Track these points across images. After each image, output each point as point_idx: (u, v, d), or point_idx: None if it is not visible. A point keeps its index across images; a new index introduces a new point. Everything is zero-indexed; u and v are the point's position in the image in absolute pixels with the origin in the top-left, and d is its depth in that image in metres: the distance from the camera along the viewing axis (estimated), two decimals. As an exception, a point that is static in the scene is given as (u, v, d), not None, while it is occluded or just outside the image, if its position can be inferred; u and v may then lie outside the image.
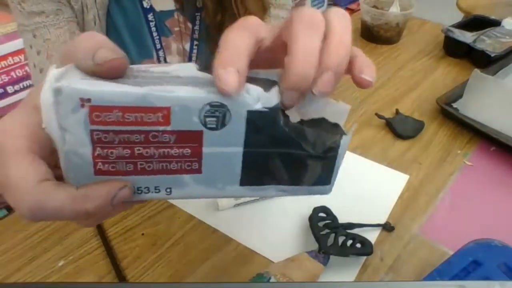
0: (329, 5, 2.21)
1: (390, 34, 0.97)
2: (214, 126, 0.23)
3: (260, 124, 0.23)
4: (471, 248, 0.46)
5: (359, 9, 1.03)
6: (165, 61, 0.68)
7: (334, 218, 0.53)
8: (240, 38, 0.24)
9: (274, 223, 0.56)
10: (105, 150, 0.22)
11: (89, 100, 0.21)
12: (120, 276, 0.49)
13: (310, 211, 0.53)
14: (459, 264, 0.44)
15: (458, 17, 1.39)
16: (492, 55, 0.83)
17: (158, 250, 0.52)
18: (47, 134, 0.22)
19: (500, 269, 0.43)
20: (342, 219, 0.53)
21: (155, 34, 0.65)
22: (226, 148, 0.24)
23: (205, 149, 0.24)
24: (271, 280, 0.44)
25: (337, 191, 0.60)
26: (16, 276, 0.49)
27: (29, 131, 0.23)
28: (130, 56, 0.64)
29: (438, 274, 0.44)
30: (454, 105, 0.75)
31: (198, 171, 0.24)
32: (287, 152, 0.25)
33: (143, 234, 0.54)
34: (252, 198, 0.57)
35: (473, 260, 0.44)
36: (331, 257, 0.49)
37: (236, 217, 0.56)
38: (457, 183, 0.62)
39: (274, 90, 0.24)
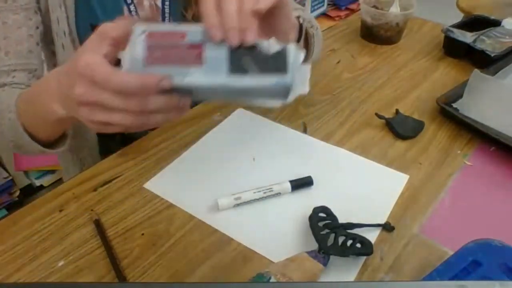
0: (329, 5, 2.21)
1: (390, 34, 0.97)
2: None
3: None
4: (471, 248, 0.46)
5: (359, 9, 1.03)
6: (137, 13, 0.70)
7: (334, 218, 0.53)
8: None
9: (274, 223, 0.56)
10: (151, 54, 0.38)
11: (145, 30, 0.39)
12: (120, 276, 0.49)
13: (310, 211, 0.53)
14: (459, 264, 0.44)
15: (458, 17, 1.39)
16: (492, 55, 0.83)
17: (158, 250, 0.52)
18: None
19: (500, 269, 0.43)
20: (342, 219, 0.53)
21: None
22: (216, 52, 0.39)
23: (203, 53, 0.39)
24: (271, 280, 0.44)
25: (337, 191, 0.61)
26: (16, 276, 0.49)
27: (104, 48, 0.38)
28: (99, 17, 0.67)
29: (438, 274, 0.44)
30: (454, 105, 0.75)
31: (200, 64, 0.38)
32: (253, 54, 0.39)
33: (143, 234, 0.54)
34: (252, 198, 0.57)
35: (473, 260, 0.44)
36: (331, 257, 0.49)
37: (236, 217, 0.56)
38: (457, 183, 0.62)
39: None
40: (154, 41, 0.39)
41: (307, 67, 0.41)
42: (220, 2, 0.39)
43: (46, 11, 0.65)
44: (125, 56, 0.38)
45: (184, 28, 0.40)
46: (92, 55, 0.37)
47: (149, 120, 0.39)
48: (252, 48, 0.39)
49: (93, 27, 0.66)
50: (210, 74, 0.38)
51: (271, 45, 0.39)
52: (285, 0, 0.44)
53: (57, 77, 0.45)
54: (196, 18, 0.75)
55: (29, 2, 0.63)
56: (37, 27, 0.64)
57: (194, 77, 0.38)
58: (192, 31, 0.39)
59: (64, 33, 0.66)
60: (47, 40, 0.68)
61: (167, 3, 0.72)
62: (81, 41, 0.68)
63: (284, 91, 0.40)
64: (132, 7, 0.69)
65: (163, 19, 0.73)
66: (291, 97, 0.41)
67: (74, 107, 0.39)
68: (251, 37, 0.38)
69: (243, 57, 0.39)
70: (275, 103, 0.42)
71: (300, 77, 0.40)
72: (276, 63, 0.39)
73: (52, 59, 0.72)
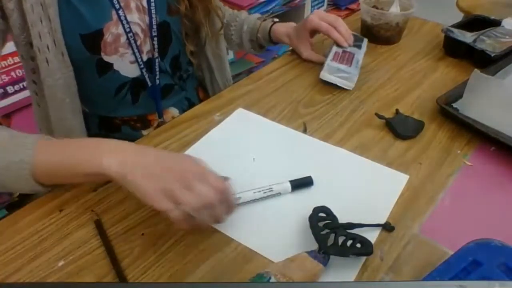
0: (329, 5, 2.21)
1: (390, 34, 0.97)
2: None
3: None
4: (471, 248, 0.46)
5: (359, 9, 1.02)
6: (126, 19, 0.70)
7: (334, 218, 0.53)
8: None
9: (274, 223, 0.56)
10: (340, 62, 0.85)
11: (331, 58, 0.87)
12: (120, 276, 0.49)
13: (310, 211, 0.53)
14: (459, 264, 0.44)
15: (458, 17, 1.39)
16: (492, 55, 0.83)
17: (158, 250, 0.52)
18: None
19: (500, 269, 0.43)
20: (342, 219, 0.53)
21: None
22: (352, 49, 0.89)
23: (350, 52, 0.89)
24: (271, 280, 0.44)
25: (337, 191, 0.61)
26: (16, 276, 0.49)
27: None
28: (88, 25, 0.66)
29: (438, 274, 0.44)
30: (454, 105, 0.75)
31: (354, 56, 0.88)
32: (354, 43, 0.91)
33: (143, 234, 0.54)
34: (253, 198, 0.57)
35: (473, 260, 0.44)
36: (331, 257, 0.49)
37: (236, 217, 0.56)
38: (457, 183, 0.62)
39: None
40: (336, 59, 0.84)
41: None
42: (336, 28, 0.86)
43: (23, 26, 0.63)
44: (329, 76, 0.82)
45: (334, 49, 0.86)
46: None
47: (201, 215, 0.46)
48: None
49: (82, 37, 0.66)
50: (359, 55, 0.86)
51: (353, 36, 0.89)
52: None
53: (138, 149, 0.51)
54: (189, 9, 0.76)
55: None
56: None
57: (359, 59, 0.86)
58: (337, 49, 0.86)
59: (48, 48, 0.64)
60: (28, 56, 0.67)
61: (152, 3, 0.72)
62: (71, 53, 0.67)
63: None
64: (121, 12, 0.69)
65: (150, 19, 0.73)
66: None
67: (152, 176, 0.47)
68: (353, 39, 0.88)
69: (354, 43, 0.88)
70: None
71: None
72: (360, 39, 0.92)
73: (31, 75, 0.71)
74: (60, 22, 0.64)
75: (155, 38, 0.75)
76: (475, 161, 0.65)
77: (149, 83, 0.79)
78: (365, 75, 0.87)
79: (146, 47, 0.76)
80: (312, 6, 2.04)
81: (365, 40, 0.93)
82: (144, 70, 0.77)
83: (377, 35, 0.97)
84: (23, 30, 0.63)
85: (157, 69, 0.79)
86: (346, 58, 0.85)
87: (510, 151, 0.65)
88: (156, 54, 0.77)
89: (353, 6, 2.24)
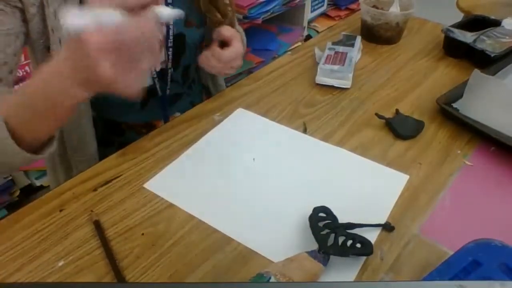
0: (329, 5, 2.21)
1: (390, 34, 0.97)
2: None
3: None
4: (471, 248, 0.46)
5: (359, 9, 1.02)
6: None
7: (334, 218, 0.53)
8: None
9: (274, 223, 0.56)
10: (333, 63, 0.85)
11: (323, 62, 0.86)
12: (120, 277, 0.49)
13: (310, 211, 0.53)
14: (459, 264, 0.44)
15: (458, 17, 1.39)
16: (492, 55, 0.83)
17: (158, 250, 0.52)
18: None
19: (500, 269, 0.43)
20: (342, 219, 0.53)
21: None
22: None
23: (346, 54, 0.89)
24: (271, 280, 0.44)
25: (337, 191, 0.61)
26: (16, 276, 0.49)
27: None
28: None
29: (438, 274, 0.44)
30: (454, 105, 0.75)
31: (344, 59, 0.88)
32: None
33: (143, 234, 0.54)
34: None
35: (473, 260, 0.44)
36: (331, 257, 0.49)
37: (236, 217, 0.56)
38: (457, 183, 0.62)
39: None
40: (328, 61, 0.84)
41: None
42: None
43: (43, 31, 0.62)
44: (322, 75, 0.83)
45: (327, 52, 0.87)
46: None
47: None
48: None
49: None
50: (352, 53, 0.88)
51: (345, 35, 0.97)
52: None
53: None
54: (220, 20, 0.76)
55: (11, 26, 0.59)
56: (15, 55, 0.61)
57: (352, 57, 0.85)
58: (330, 52, 0.87)
59: (60, 42, 0.63)
60: (43, 60, 0.66)
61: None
62: None
63: None
64: None
65: (167, 30, 0.73)
66: None
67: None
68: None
69: (346, 42, 0.93)
70: None
71: None
72: (353, 38, 0.94)
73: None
74: None
75: (170, 49, 0.75)
76: (475, 161, 0.65)
77: (160, 93, 0.80)
78: (365, 75, 0.87)
79: (161, 58, 0.76)
80: (312, 6, 2.04)
81: (358, 37, 0.94)
82: (156, 80, 0.78)
83: (377, 35, 0.97)
84: (42, 35, 0.63)
85: (169, 79, 0.79)
86: (339, 58, 0.85)
87: (510, 151, 0.65)
88: (170, 65, 0.77)
89: (353, 6, 2.23)
